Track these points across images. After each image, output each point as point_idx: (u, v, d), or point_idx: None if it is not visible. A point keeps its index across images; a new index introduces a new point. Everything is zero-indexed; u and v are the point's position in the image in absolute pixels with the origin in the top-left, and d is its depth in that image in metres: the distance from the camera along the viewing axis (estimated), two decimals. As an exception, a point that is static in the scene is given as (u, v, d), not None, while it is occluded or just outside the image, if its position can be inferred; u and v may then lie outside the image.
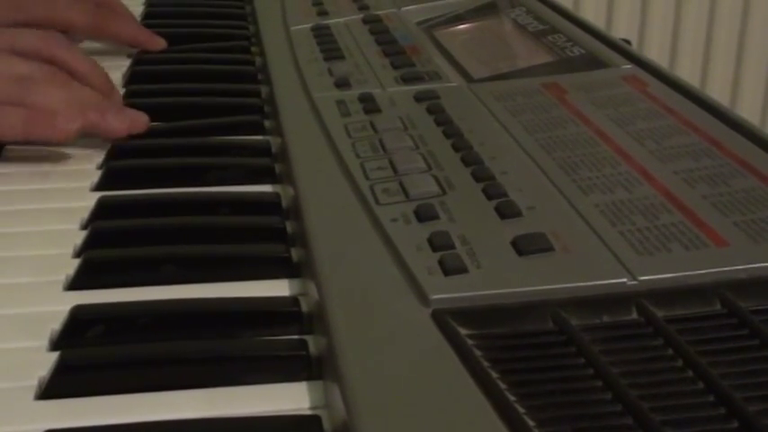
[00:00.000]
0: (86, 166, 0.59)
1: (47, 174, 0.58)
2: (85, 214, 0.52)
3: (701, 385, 0.34)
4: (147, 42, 0.79)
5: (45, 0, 0.76)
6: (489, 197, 0.47)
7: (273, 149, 0.61)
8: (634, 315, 0.38)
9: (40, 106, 0.59)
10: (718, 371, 0.34)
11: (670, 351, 0.36)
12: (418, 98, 0.61)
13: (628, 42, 0.70)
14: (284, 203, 0.54)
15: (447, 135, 0.54)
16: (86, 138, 0.61)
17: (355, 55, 0.71)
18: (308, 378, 0.39)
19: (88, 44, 0.82)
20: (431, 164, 0.51)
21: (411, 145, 0.53)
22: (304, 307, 0.44)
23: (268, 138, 0.63)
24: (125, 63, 0.77)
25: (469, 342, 0.36)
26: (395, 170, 0.50)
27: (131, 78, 0.74)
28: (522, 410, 0.33)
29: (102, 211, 0.52)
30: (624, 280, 0.40)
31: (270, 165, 0.58)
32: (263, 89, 0.71)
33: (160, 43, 0.79)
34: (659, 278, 0.39)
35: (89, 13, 0.77)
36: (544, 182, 0.48)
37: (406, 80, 0.64)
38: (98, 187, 0.56)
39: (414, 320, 0.38)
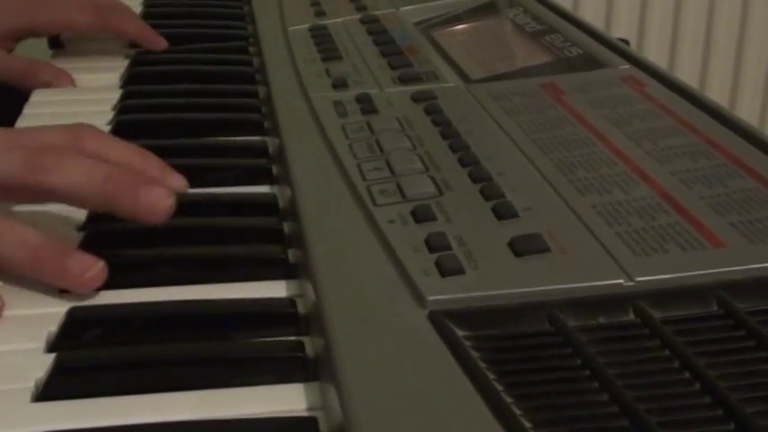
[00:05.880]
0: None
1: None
2: (83, 216, 0.52)
3: (697, 386, 0.34)
4: (150, 40, 0.79)
5: (44, 3, 0.76)
6: (486, 198, 0.47)
7: (270, 150, 0.61)
8: (631, 316, 0.38)
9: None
10: (715, 372, 0.34)
11: (667, 352, 0.36)
12: (415, 99, 0.61)
13: (626, 42, 0.70)
14: (281, 204, 0.54)
15: (444, 136, 0.54)
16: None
17: (353, 55, 0.70)
18: (304, 380, 0.39)
19: (87, 45, 0.82)
20: (428, 165, 0.51)
21: (408, 146, 0.53)
22: (301, 308, 0.44)
23: (265, 138, 0.63)
24: (123, 64, 0.77)
25: (466, 343, 0.36)
26: (392, 171, 0.50)
27: (129, 79, 0.74)
28: (518, 412, 0.33)
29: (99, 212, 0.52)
30: (621, 281, 0.39)
31: (267, 165, 0.58)
32: (261, 90, 0.71)
33: (162, 43, 0.79)
34: (656, 279, 0.39)
35: (89, 10, 0.76)
36: (541, 183, 0.48)
37: (403, 81, 0.64)
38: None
39: (410, 322, 0.38)
